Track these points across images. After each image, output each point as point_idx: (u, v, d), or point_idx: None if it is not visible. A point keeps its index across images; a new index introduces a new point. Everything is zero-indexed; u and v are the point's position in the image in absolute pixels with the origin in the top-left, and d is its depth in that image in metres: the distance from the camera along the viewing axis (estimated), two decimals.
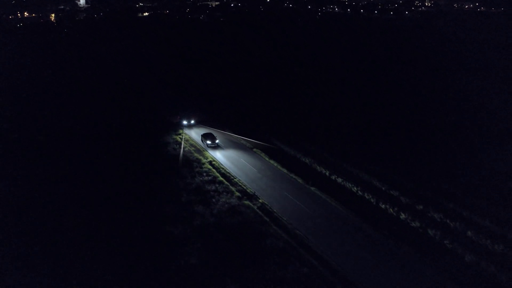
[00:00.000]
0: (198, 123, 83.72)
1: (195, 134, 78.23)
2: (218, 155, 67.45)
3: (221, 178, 58.15)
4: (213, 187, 54.88)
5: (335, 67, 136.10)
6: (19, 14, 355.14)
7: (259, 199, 52.03)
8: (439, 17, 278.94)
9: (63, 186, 55.10)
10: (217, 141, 71.04)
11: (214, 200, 51.40)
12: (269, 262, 39.04)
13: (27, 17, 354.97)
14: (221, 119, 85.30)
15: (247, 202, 50.98)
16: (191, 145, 72.86)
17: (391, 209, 49.03)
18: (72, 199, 51.59)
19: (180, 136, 76.51)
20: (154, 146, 71.31)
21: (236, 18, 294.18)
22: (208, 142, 70.50)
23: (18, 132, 78.15)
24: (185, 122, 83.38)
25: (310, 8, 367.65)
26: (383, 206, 50.02)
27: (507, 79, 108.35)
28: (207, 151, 69.55)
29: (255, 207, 49.85)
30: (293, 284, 36.01)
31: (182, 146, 70.75)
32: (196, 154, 67.62)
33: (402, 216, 47.53)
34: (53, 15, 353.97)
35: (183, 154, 66.72)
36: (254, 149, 69.47)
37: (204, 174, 59.34)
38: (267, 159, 65.38)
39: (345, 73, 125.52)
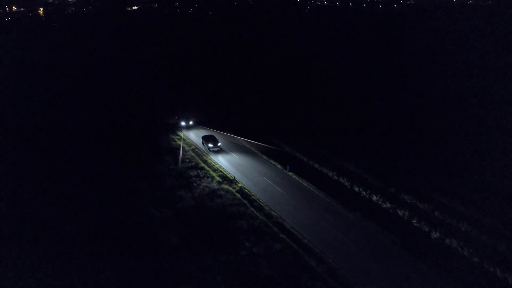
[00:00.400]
0: (197, 124, 79.59)
1: (193, 135, 75.21)
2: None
3: (202, 164, 60.18)
4: (195, 173, 56.86)
5: (326, 63, 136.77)
6: (7, 8, 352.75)
7: (238, 183, 54.11)
8: (429, 10, 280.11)
9: (60, 184, 55.96)
10: (219, 143, 66.35)
11: (195, 184, 53.41)
12: (244, 239, 41.16)
13: (15, 11, 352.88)
14: (217, 119, 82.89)
15: (226, 186, 53.03)
16: (174, 134, 74.72)
17: (364, 192, 51.37)
18: (66, 191, 52.99)
19: (178, 137, 73.56)
20: (149, 147, 69.12)
21: (226, 12, 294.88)
22: (210, 145, 65.59)
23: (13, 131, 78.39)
24: (183, 123, 78.82)
25: (299, 1, 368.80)
26: (356, 189, 52.34)
27: (499, 72, 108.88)
28: (205, 150, 67.59)
29: (234, 191, 51.96)
30: (267, 259, 38.13)
31: (181, 148, 66.48)
32: (179, 142, 69.52)
33: (374, 198, 49.87)
34: (41, 9, 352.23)
35: (182, 155, 64.77)
36: (236, 137, 71.18)
37: (187, 160, 61.30)
38: (248, 146, 67.40)
39: (335, 69, 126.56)
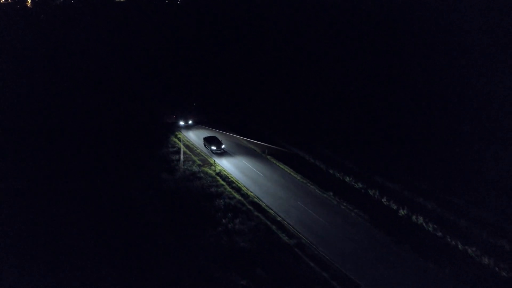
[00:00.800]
0: (197, 123, 75.39)
1: (192, 134, 71.24)
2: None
3: (184, 149, 62.16)
4: (177, 157, 58.86)
5: (316, 56, 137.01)
6: None
7: (218, 166, 56.26)
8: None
9: (53, 178, 55.43)
10: (223, 146, 61.42)
11: (177, 167, 55.46)
12: (221, 217, 43.37)
13: (3, 3, 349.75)
14: (214, 116, 79.91)
15: (206, 169, 55.13)
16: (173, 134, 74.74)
17: (337, 174, 53.77)
18: (60, 184, 53.15)
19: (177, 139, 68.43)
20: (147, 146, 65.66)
21: (217, 4, 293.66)
22: (213, 147, 60.78)
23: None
24: (182, 123, 72.53)
25: None
26: (331, 171, 54.70)
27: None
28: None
29: (214, 173, 54.07)
30: (241, 234, 40.36)
31: (182, 151, 60.70)
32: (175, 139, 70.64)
33: (347, 179, 52.28)
34: (29, 0, 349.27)
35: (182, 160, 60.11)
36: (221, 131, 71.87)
37: (170, 145, 63.26)
38: (229, 133, 69.38)
39: (321, 61, 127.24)
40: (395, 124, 71.85)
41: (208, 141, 62.77)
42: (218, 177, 53.10)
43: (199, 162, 57.48)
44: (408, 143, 63.51)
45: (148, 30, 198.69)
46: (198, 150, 62.70)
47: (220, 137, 64.88)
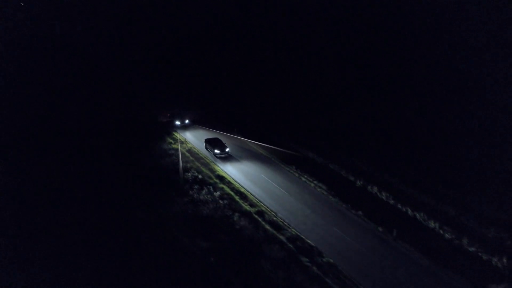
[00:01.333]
0: (194, 123, 71.29)
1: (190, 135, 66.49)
2: None
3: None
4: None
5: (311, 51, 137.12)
6: None
7: (188, 144, 58.99)
8: None
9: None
10: (227, 149, 55.77)
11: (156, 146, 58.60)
12: (188, 189, 46.17)
13: None
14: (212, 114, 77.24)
15: (176, 146, 57.78)
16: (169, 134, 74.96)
17: (311, 152, 56.91)
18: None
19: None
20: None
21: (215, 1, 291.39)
22: (216, 151, 54.93)
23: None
24: (177, 122, 69.22)
25: None
26: (303, 152, 57.81)
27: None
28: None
29: (185, 150, 56.78)
30: (206, 203, 43.17)
31: (180, 156, 51.69)
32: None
33: (310, 155, 55.49)
34: None
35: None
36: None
37: (156, 135, 65.20)
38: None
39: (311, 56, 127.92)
40: (361, 108, 74.88)
41: (210, 143, 56.34)
42: (188, 154, 55.73)
43: (170, 141, 60.00)
44: (372, 126, 66.81)
45: (146, 26, 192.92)
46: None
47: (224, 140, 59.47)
